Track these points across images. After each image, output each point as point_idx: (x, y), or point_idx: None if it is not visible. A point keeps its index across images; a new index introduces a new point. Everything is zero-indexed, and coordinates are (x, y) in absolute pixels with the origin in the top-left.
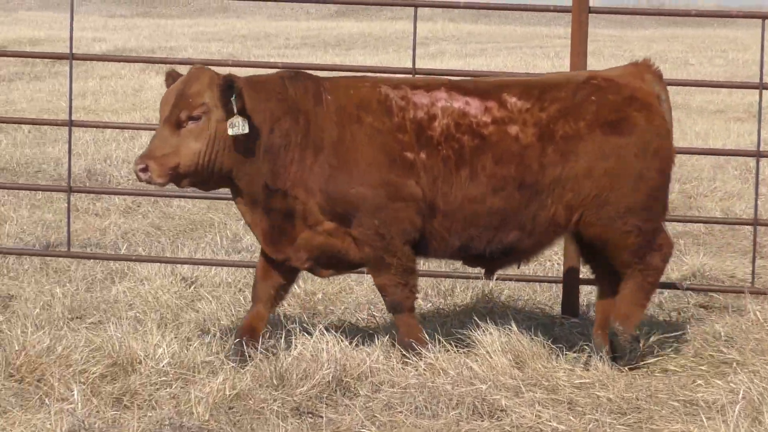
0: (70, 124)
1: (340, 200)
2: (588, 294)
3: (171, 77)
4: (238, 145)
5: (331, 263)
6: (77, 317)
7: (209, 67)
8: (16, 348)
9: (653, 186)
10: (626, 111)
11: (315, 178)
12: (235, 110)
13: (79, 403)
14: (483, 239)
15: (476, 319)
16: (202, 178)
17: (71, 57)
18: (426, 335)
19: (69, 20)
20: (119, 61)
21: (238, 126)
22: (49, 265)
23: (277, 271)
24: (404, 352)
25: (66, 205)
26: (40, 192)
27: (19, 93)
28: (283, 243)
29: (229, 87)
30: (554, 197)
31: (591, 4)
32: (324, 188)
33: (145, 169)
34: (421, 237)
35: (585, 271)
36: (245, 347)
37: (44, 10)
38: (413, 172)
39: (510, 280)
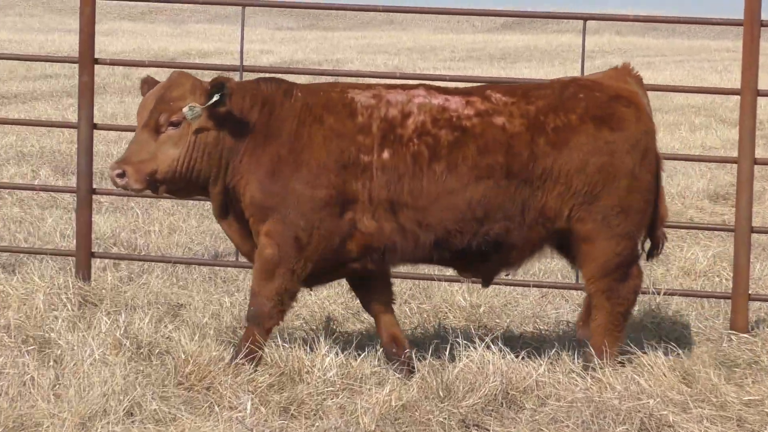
0: None
1: (277, 192)
2: (757, 310)
3: (147, 83)
4: (215, 152)
5: None
6: (245, 326)
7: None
8: (185, 356)
9: (646, 188)
10: (614, 107)
11: (259, 167)
12: (206, 106)
13: (249, 412)
14: (465, 232)
15: (643, 335)
16: (179, 185)
17: (241, 69)
18: (259, 356)
19: (238, 33)
20: (287, 72)
21: (195, 112)
22: (218, 274)
23: (365, 278)
24: (235, 355)
25: None
26: (209, 203)
27: None
28: (253, 246)
29: (217, 88)
30: (544, 189)
31: (763, 17)
32: (264, 178)
33: (122, 175)
34: (384, 239)
35: (755, 287)
36: (403, 357)
37: (213, 23)
38: (364, 175)
39: (676, 294)
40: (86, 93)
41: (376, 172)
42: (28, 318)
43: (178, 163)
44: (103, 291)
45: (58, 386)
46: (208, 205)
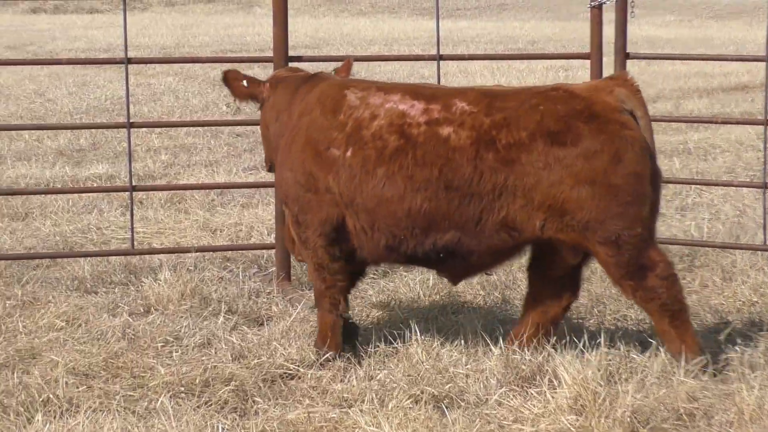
0: None
1: (278, 181)
2: None
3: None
4: (267, 135)
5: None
6: None
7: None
8: None
9: (624, 192)
10: (570, 122)
11: (276, 156)
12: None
13: None
14: (411, 240)
15: None
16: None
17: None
18: (339, 342)
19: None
20: None
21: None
22: None
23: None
24: (316, 354)
25: None
26: None
27: None
28: None
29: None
30: (502, 202)
31: None
32: (278, 166)
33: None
34: (352, 234)
35: None
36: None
37: None
38: (332, 168)
39: None
40: None
41: (341, 169)
42: None
43: (266, 151)
44: None
45: None
46: None
